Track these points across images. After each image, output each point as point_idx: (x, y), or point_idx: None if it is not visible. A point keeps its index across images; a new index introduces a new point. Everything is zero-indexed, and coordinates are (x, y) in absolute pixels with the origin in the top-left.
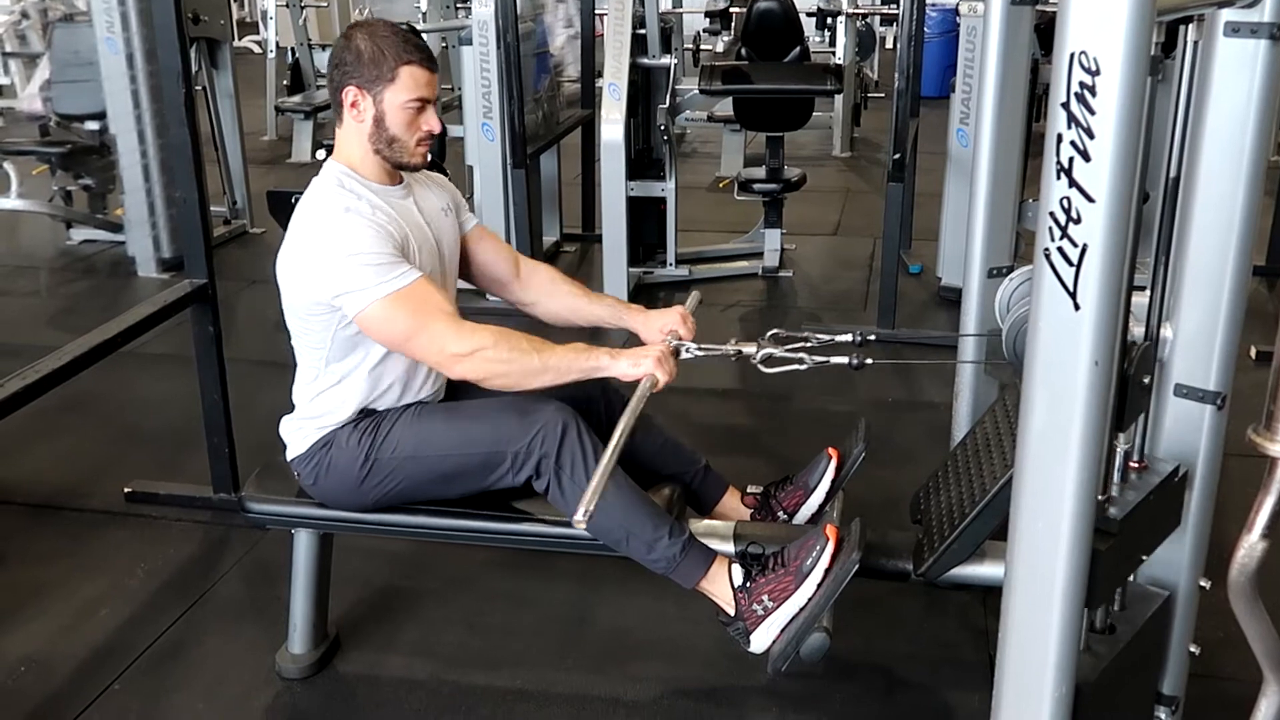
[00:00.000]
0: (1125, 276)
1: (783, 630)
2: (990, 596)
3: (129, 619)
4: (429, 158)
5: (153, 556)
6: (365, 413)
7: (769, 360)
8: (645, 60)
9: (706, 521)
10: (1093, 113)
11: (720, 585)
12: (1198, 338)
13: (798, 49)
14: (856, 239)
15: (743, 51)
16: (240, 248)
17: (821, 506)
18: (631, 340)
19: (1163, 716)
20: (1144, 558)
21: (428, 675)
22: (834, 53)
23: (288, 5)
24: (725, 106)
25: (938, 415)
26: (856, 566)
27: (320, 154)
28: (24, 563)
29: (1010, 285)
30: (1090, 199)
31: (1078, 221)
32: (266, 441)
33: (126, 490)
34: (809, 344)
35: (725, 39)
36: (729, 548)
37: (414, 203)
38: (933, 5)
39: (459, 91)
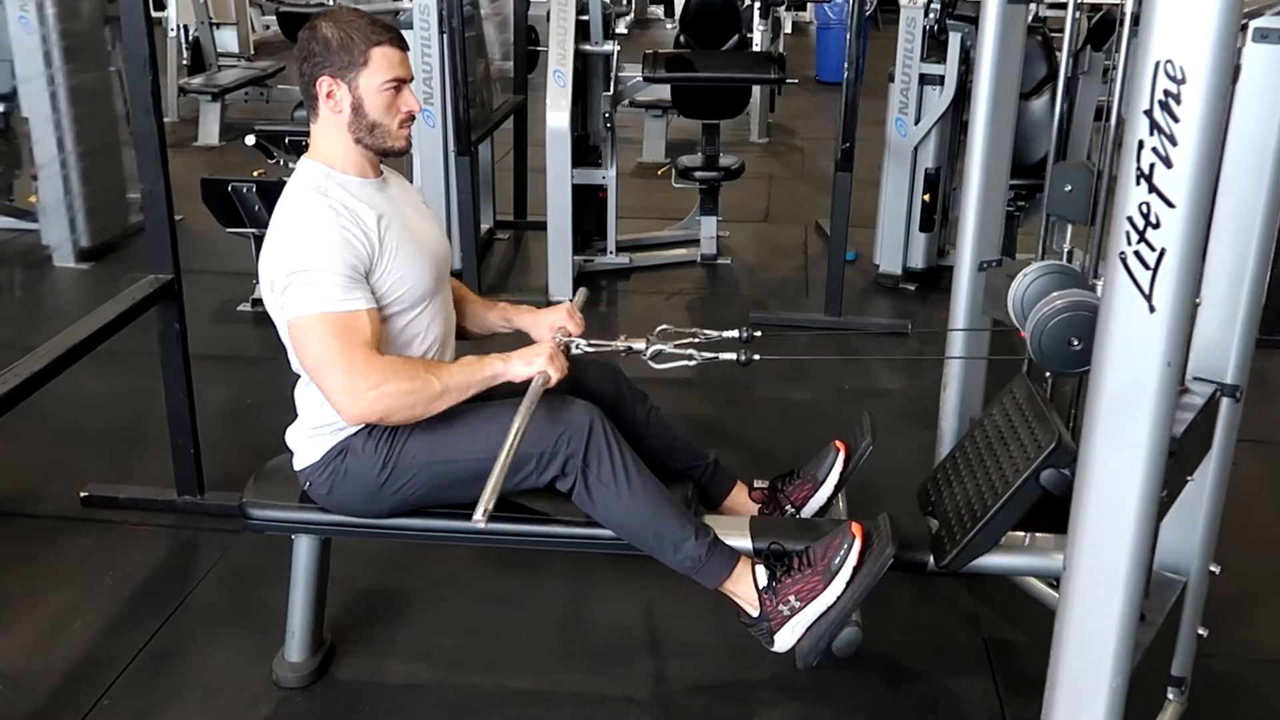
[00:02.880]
0: (1198, 280)
1: (808, 629)
2: (975, 582)
3: (106, 630)
4: (410, 141)
5: (120, 563)
6: None
7: (659, 356)
8: (587, 47)
9: (720, 518)
10: (1176, 120)
11: (744, 586)
12: (1218, 333)
13: (736, 37)
14: (787, 225)
15: (682, 39)
16: None
17: (829, 499)
18: (524, 340)
19: (1171, 697)
20: None
21: (431, 679)
22: (752, 39)
23: None
24: (648, 92)
25: (894, 402)
26: (891, 561)
27: (250, 140)
28: None
29: (1024, 282)
30: (1170, 204)
31: (1156, 226)
32: (223, 439)
33: (83, 494)
34: (697, 340)
35: (670, 25)
36: (745, 543)
37: (393, 192)
38: None
39: None
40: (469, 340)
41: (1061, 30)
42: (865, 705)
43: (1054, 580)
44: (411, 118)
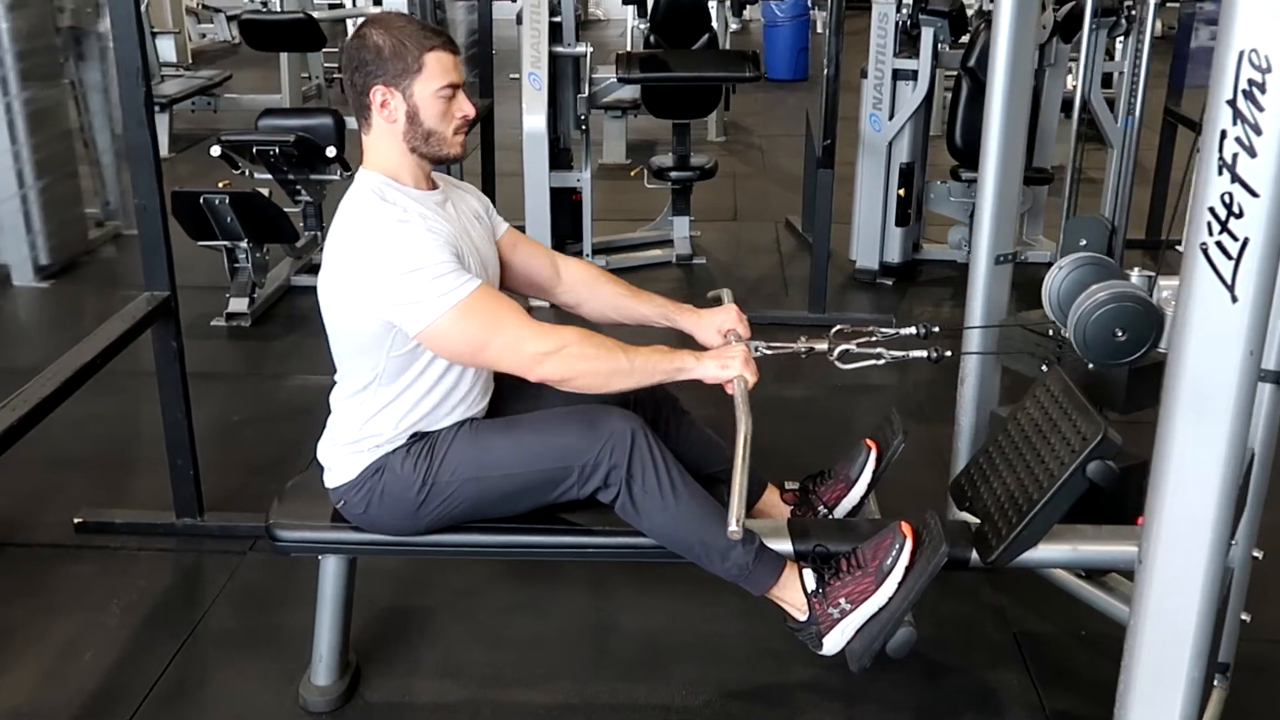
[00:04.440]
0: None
1: (858, 631)
2: (996, 575)
3: (119, 661)
4: (465, 147)
5: (124, 590)
6: (417, 435)
7: (845, 356)
8: (560, 49)
9: (755, 521)
10: (1261, 109)
11: (791, 591)
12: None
13: (706, 36)
14: (756, 224)
15: (652, 39)
16: (119, 251)
17: (862, 499)
18: (685, 341)
19: (1216, 683)
20: None
21: (463, 697)
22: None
23: None
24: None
25: (888, 397)
26: (945, 560)
27: (215, 151)
28: None
29: (1059, 275)
30: (1254, 194)
31: (1239, 216)
32: (214, 458)
33: (76, 520)
34: (874, 338)
35: (643, 27)
36: (785, 546)
37: (452, 208)
38: None
39: (316, 80)
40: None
41: None
42: (906, 703)
43: (1081, 572)
44: (467, 123)
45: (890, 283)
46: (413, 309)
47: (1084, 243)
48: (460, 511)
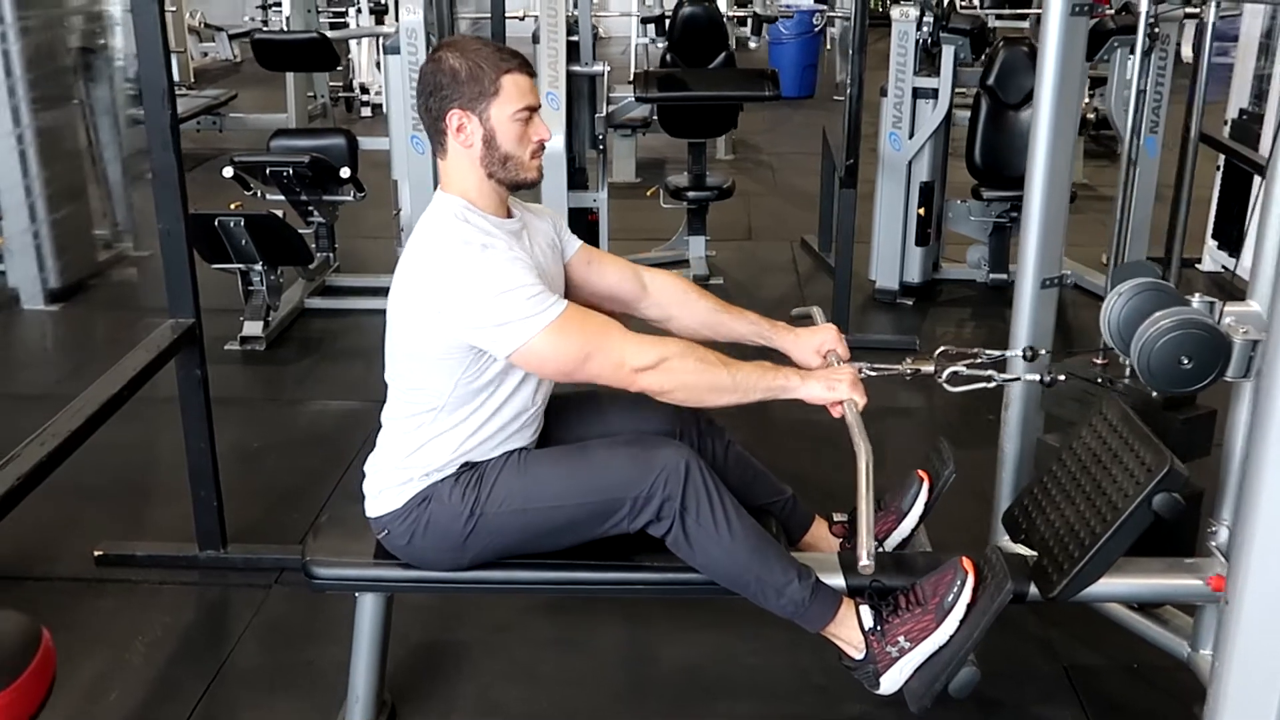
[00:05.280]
0: None
1: (917, 670)
2: (1041, 606)
3: (147, 700)
4: (542, 171)
5: (148, 626)
6: (467, 465)
7: (955, 379)
8: (577, 68)
9: (804, 554)
10: None
11: (848, 628)
12: None
13: (723, 54)
14: (771, 242)
15: (668, 58)
16: (128, 273)
17: (913, 531)
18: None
19: None
20: None
21: None
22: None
23: None
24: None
25: (916, 420)
26: (1010, 597)
27: (228, 172)
28: None
29: (1118, 303)
30: None
31: None
32: (234, 487)
33: (96, 553)
34: (980, 360)
35: (659, 44)
36: (838, 581)
37: (527, 239)
38: (788, 6)
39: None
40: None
41: None
42: None
43: (1134, 604)
44: (543, 147)
45: (910, 303)
46: (504, 330)
47: None
48: (507, 544)
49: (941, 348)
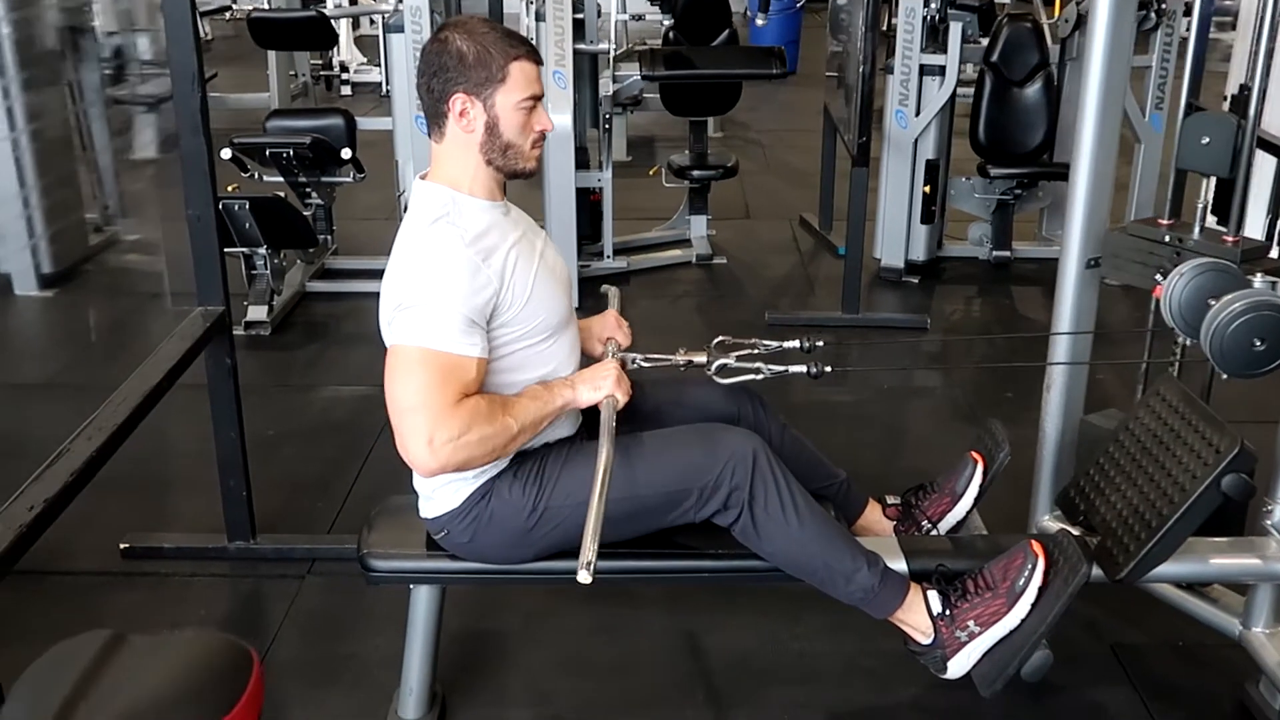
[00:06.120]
0: None
1: (986, 653)
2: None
3: None
4: (540, 163)
5: (181, 619)
6: (522, 456)
7: (724, 371)
8: (582, 46)
9: (869, 539)
10: None
11: (916, 614)
12: None
13: (727, 31)
14: (770, 221)
15: (672, 35)
16: (119, 255)
17: (967, 514)
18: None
19: None
20: None
21: None
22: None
23: None
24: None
25: (936, 400)
26: (1087, 580)
27: (225, 154)
28: (27, 641)
29: (1180, 283)
30: None
31: None
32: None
33: (123, 546)
34: (756, 351)
35: (667, 22)
36: (900, 565)
37: (516, 215)
38: None
39: (303, 79)
40: None
41: (1051, 17)
42: None
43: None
44: (544, 137)
45: (916, 281)
46: (404, 322)
47: (1207, 140)
48: (571, 537)
49: (719, 338)
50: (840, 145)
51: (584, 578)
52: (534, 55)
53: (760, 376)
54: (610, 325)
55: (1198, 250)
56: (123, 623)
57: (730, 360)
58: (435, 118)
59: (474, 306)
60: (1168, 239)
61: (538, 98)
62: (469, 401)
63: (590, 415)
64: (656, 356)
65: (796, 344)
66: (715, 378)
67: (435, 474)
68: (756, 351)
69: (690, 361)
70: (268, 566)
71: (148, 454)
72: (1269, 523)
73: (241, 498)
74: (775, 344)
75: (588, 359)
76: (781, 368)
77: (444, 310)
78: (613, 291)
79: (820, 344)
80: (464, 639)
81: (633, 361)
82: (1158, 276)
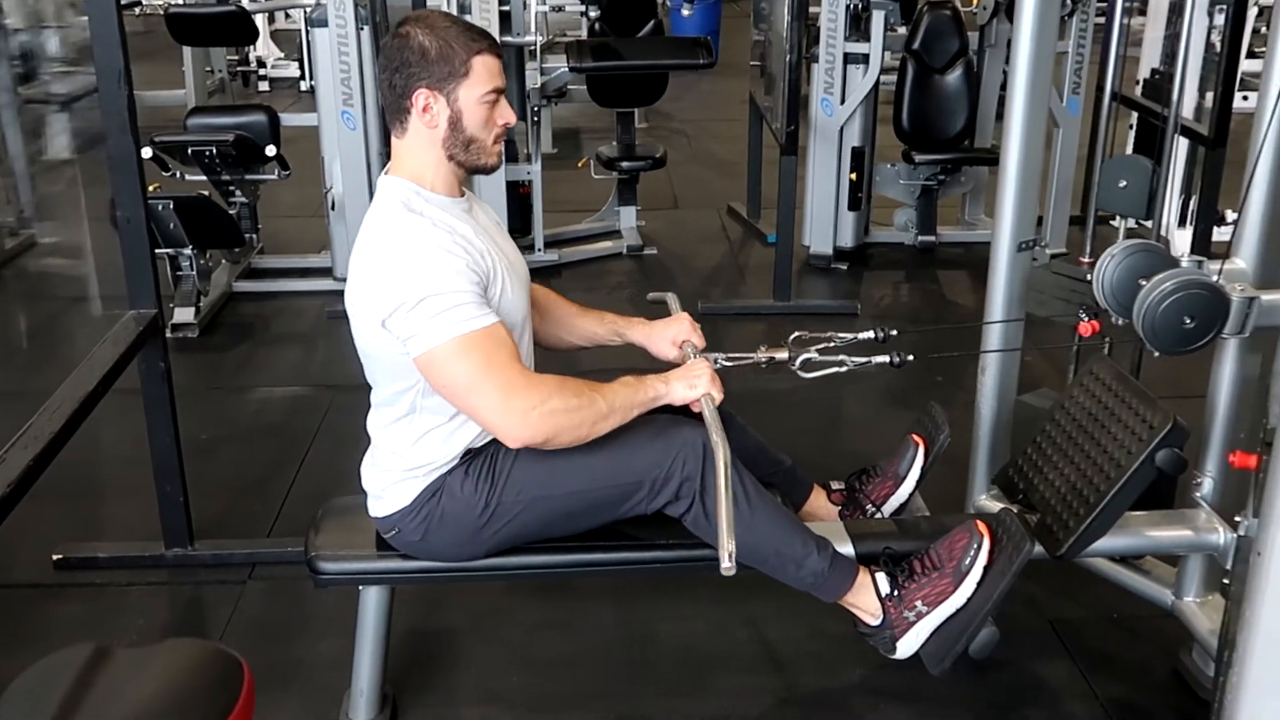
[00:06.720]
0: None
1: (934, 633)
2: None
3: None
4: (501, 157)
5: (122, 630)
6: (472, 453)
7: (808, 365)
8: (509, 38)
9: (816, 524)
10: None
11: (865, 596)
12: None
13: (652, 22)
14: (698, 210)
15: (597, 27)
16: (37, 259)
17: (910, 495)
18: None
19: None
20: None
21: None
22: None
23: None
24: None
25: (871, 385)
26: (1030, 556)
27: (146, 152)
28: None
29: (1110, 264)
30: None
31: None
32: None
33: (56, 557)
34: (833, 344)
35: (593, 13)
36: (847, 549)
37: (480, 214)
38: None
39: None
40: (555, 352)
41: (970, 5)
42: (962, 700)
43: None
44: (506, 130)
45: (845, 267)
46: (423, 326)
47: (1124, 184)
48: (524, 532)
49: (795, 333)
50: (767, 133)
51: (728, 567)
52: (496, 49)
53: (844, 369)
54: (686, 328)
55: None
56: (59, 637)
57: (814, 354)
58: (397, 113)
59: (473, 281)
60: (1089, 278)
61: (500, 91)
62: (547, 375)
63: None
64: (739, 355)
65: (871, 335)
66: (800, 372)
67: (526, 443)
68: (835, 344)
69: (772, 359)
70: (207, 573)
71: (79, 461)
72: (1199, 495)
73: (178, 503)
74: (850, 335)
75: (660, 364)
76: (865, 359)
77: (452, 296)
78: (671, 297)
79: (894, 333)
80: (412, 638)
81: (715, 361)
82: (1081, 313)
